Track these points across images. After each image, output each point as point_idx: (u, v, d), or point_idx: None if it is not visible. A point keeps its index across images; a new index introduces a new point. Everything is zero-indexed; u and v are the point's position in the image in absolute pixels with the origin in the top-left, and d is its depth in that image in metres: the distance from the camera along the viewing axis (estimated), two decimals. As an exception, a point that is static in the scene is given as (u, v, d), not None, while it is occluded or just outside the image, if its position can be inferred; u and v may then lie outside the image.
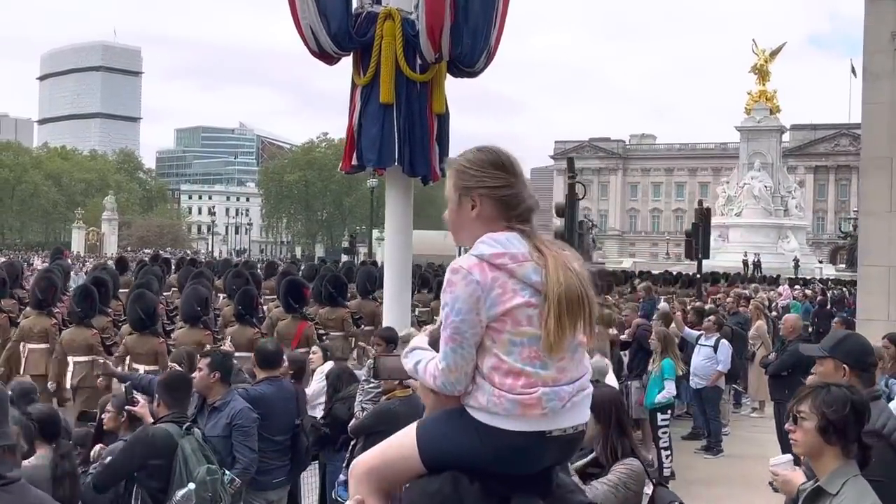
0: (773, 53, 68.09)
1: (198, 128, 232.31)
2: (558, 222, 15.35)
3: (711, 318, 12.90)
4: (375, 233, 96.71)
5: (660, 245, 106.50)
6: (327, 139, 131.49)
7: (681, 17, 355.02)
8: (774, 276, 43.39)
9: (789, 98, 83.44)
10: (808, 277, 47.73)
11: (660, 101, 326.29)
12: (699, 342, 12.47)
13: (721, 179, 72.74)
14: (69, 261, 34.81)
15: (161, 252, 76.19)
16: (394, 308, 7.32)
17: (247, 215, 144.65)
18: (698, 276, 25.37)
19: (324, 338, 12.64)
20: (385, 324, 7.38)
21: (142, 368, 9.63)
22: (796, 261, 57.35)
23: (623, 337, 11.87)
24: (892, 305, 9.55)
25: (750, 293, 21.18)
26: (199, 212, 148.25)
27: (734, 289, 23.73)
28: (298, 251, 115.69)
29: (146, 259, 26.36)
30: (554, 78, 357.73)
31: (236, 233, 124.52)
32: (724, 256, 59.48)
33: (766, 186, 63.85)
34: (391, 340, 7.21)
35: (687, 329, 13.10)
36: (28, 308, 12.38)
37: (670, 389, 10.38)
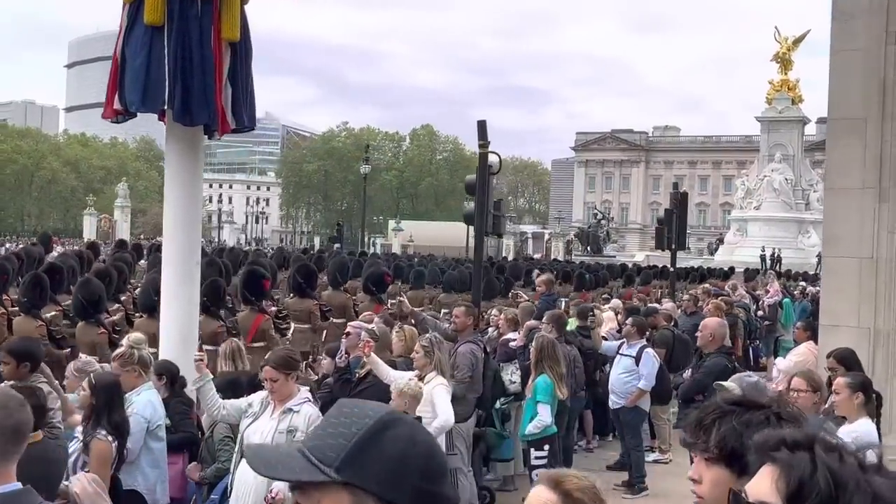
0: (797, 41, 65.76)
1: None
2: (469, 205, 13.26)
3: (630, 320, 10.93)
4: (392, 223, 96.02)
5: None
6: (347, 129, 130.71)
7: (712, 8, 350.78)
8: (795, 271, 41.47)
9: (817, 91, 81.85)
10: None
11: (687, 95, 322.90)
12: (620, 351, 10.68)
13: (742, 173, 70.55)
14: (59, 247, 33.71)
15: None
16: (173, 303, 5.76)
17: (267, 205, 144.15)
18: (671, 269, 23.08)
19: (286, 331, 12.28)
20: (163, 322, 5.91)
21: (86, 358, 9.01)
22: (819, 256, 55.13)
23: (513, 344, 9.97)
24: (865, 308, 7.68)
25: (728, 290, 19.34)
26: (220, 200, 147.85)
27: (704, 284, 21.64)
28: (317, 241, 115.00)
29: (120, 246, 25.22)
30: (583, 70, 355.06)
31: (256, 222, 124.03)
32: (743, 251, 57.70)
33: (786, 179, 61.72)
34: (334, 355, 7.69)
35: (607, 343, 11.50)
36: None
37: (543, 416, 8.21)
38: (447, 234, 76.79)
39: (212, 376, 5.94)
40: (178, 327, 5.68)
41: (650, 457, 11.29)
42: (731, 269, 36.62)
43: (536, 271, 16.05)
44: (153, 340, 9.17)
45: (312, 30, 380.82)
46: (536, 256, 65.48)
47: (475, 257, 13.40)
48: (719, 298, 15.33)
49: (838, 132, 7.85)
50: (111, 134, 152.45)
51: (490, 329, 11.42)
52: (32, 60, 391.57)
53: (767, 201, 61.89)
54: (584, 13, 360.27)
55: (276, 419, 5.52)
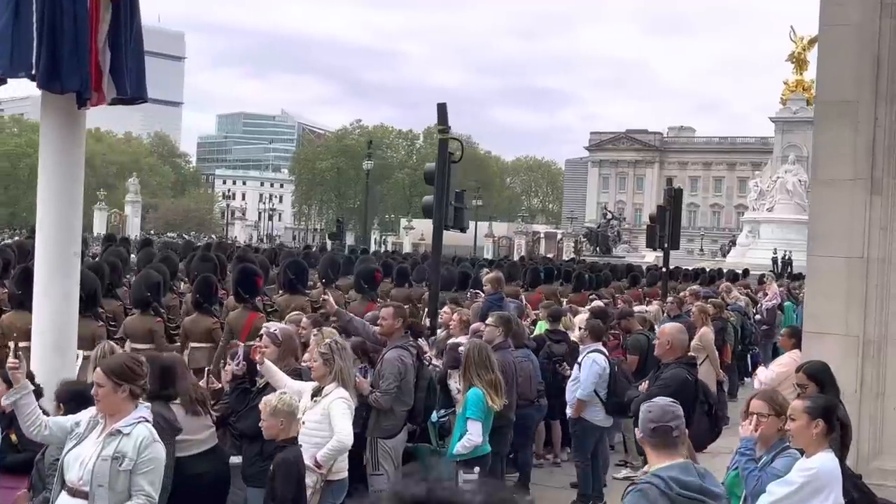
0: (812, 41, 64.38)
1: (239, 114, 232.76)
2: (429, 197, 11.68)
3: (584, 324, 9.95)
4: (404, 222, 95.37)
5: (696, 241, 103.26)
6: (361, 126, 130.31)
7: (730, 10, 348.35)
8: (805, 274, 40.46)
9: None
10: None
11: (703, 96, 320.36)
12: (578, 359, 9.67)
13: (755, 173, 69.52)
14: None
15: (185, 236, 75.58)
16: (44, 299, 5.02)
17: (280, 202, 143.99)
18: (663, 269, 21.56)
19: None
20: (35, 320, 5.22)
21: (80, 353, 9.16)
22: (831, 259, 54.21)
23: (461, 349, 8.83)
24: (853, 314, 6.81)
25: (722, 292, 18.33)
26: (233, 197, 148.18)
27: (692, 286, 20.37)
28: (329, 239, 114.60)
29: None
30: (600, 71, 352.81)
31: (270, 219, 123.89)
32: (755, 253, 56.77)
33: (800, 181, 60.52)
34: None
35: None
36: None
37: (472, 435, 7.19)
38: (459, 233, 76.27)
39: (31, 388, 4.98)
40: (51, 326, 4.93)
41: (621, 472, 10.51)
42: (746, 272, 35.18)
43: (485, 269, 14.59)
44: (150, 337, 9.81)
45: (330, 29, 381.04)
46: (549, 256, 64.72)
47: (433, 254, 12.42)
48: (709, 301, 14.37)
49: (827, 117, 6.96)
50: (132, 130, 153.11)
51: (440, 330, 10.59)
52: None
53: (780, 203, 60.82)
54: (601, 14, 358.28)
55: (101, 442, 4.58)
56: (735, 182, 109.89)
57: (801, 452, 4.62)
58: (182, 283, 14.86)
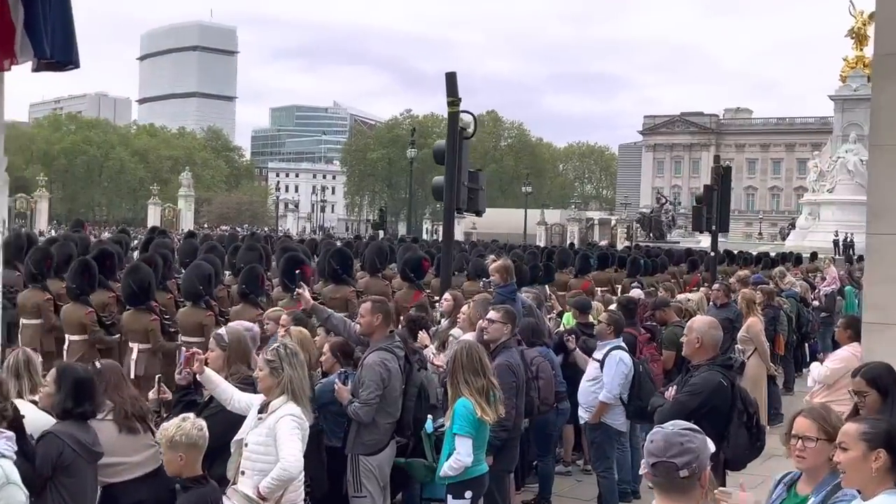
0: (872, 15, 62.05)
1: (292, 107, 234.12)
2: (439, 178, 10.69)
3: (603, 315, 8.58)
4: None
5: (754, 225, 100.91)
6: (411, 116, 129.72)
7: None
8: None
9: None
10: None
11: (760, 78, 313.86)
12: (594, 356, 8.42)
13: (814, 154, 67.35)
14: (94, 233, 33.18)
15: (237, 229, 75.71)
16: None
17: (332, 193, 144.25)
18: (712, 253, 20.07)
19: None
20: None
21: (135, 347, 9.59)
22: (896, 241, 52.16)
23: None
24: None
25: (776, 276, 16.96)
26: (287, 189, 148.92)
27: (742, 270, 18.55)
28: (386, 231, 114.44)
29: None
30: (655, 55, 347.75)
31: (322, 211, 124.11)
32: (815, 236, 55.04)
33: (861, 160, 58.29)
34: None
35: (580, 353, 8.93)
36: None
37: (461, 454, 5.98)
38: (510, 221, 75.36)
39: None
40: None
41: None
42: (814, 255, 33.11)
43: (491, 257, 13.10)
44: (200, 330, 9.62)
45: (382, 20, 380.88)
46: (602, 243, 63.42)
47: (444, 239, 11.40)
48: (758, 287, 13.04)
49: (887, 71, 5.95)
50: (186, 125, 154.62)
51: (443, 320, 9.42)
52: (107, 54, 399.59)
53: (841, 184, 58.80)
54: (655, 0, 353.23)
55: None
56: (794, 163, 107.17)
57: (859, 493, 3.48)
58: (226, 275, 14.47)
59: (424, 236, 72.15)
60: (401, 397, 6.58)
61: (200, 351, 5.78)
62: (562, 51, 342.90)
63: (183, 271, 12.92)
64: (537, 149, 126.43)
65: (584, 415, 8.31)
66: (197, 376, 5.64)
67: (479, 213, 11.60)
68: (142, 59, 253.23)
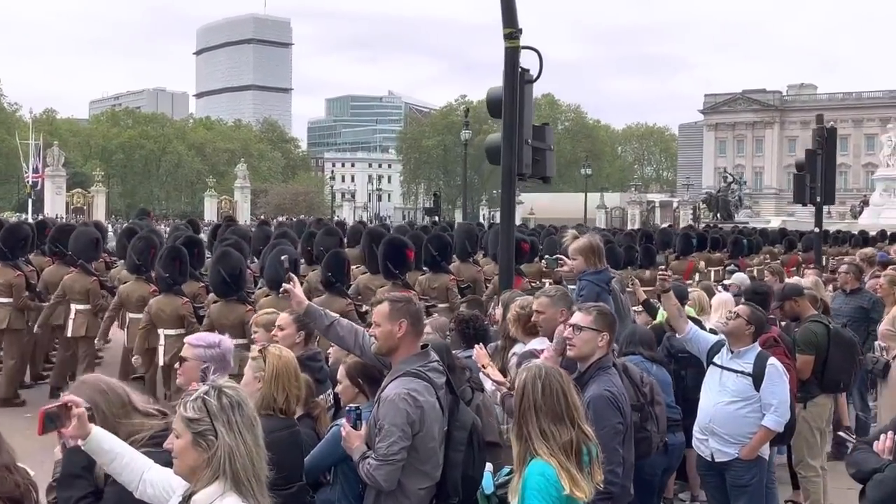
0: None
1: (347, 97, 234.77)
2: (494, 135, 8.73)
3: (741, 310, 6.33)
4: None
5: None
6: (466, 102, 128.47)
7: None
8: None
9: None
10: None
11: (825, 53, 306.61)
12: (718, 362, 6.25)
13: (888, 126, 64.62)
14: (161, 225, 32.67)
15: (293, 219, 75.34)
16: None
17: (388, 182, 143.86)
18: (816, 230, 18.12)
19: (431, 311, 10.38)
20: None
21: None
22: (976, 216, 49.80)
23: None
24: None
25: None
26: (343, 179, 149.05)
27: (864, 249, 16.25)
28: (439, 218, 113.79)
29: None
30: (714, 35, 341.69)
31: (379, 200, 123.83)
32: (891, 213, 52.68)
33: (939, 131, 56.03)
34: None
35: (695, 330, 6.54)
36: (125, 272, 11.78)
37: None
38: (568, 206, 74.11)
39: None
40: None
41: None
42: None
43: (571, 232, 9.19)
44: (239, 329, 8.54)
45: (437, 8, 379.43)
46: (664, 226, 61.65)
47: (502, 215, 9.11)
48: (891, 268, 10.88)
49: None
50: (243, 118, 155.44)
51: (497, 333, 6.71)
52: (164, 50, 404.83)
53: (917, 157, 56.29)
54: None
55: None
56: (862, 140, 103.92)
57: None
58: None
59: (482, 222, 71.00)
60: (442, 447, 4.45)
61: (77, 400, 3.41)
62: (619, 33, 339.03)
63: (256, 260, 12.36)
64: (595, 131, 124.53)
65: (723, 448, 6.13)
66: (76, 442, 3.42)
67: (545, 180, 9.23)
68: (198, 53, 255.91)
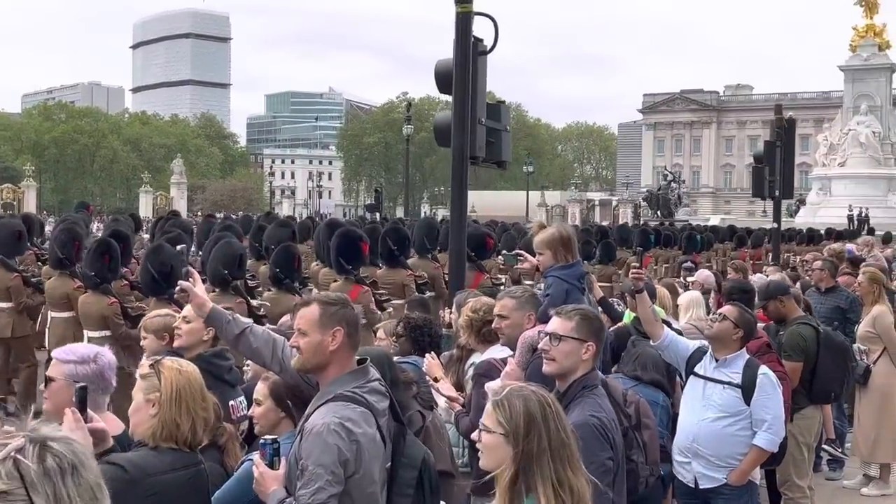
0: (883, -18, 60.62)
1: (287, 93, 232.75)
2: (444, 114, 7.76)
3: (728, 311, 5.50)
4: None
5: (756, 203, 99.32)
6: (407, 99, 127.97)
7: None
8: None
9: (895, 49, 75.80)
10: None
11: (759, 54, 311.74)
12: (700, 371, 5.44)
13: (823, 126, 65.66)
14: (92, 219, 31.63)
15: (232, 216, 74.21)
16: None
17: (329, 179, 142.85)
18: (775, 225, 17.02)
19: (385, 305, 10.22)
20: None
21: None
22: (914, 214, 50.80)
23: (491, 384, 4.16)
24: None
25: (863, 249, 14.65)
26: (283, 176, 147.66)
27: (835, 244, 15.43)
28: (378, 214, 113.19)
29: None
30: (651, 36, 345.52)
31: (320, 197, 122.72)
32: (827, 211, 53.56)
33: (874, 132, 56.91)
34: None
35: (679, 340, 5.62)
36: (46, 268, 11.09)
37: None
38: (510, 204, 74.10)
39: None
40: None
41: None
42: (861, 232, 31.51)
43: (537, 220, 8.01)
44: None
45: (378, 4, 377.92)
46: (604, 224, 61.90)
47: (453, 206, 8.06)
48: (869, 264, 10.32)
49: None
50: (180, 113, 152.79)
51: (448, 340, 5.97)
52: (99, 43, 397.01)
53: (853, 157, 57.31)
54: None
55: None
56: (797, 140, 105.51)
57: None
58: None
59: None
60: (384, 490, 3.54)
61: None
62: (560, 33, 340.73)
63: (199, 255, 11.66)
64: (535, 130, 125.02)
65: (709, 472, 5.31)
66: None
67: (501, 165, 8.41)
68: (135, 47, 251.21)
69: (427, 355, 4.90)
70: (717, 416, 5.30)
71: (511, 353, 4.61)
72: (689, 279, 9.96)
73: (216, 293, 8.14)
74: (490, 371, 4.43)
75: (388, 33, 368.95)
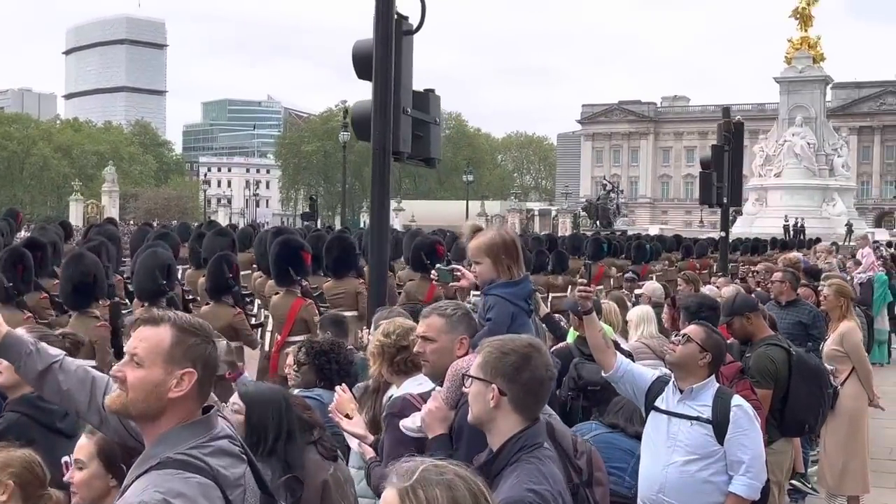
0: (815, -6, 61.42)
1: (224, 101, 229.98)
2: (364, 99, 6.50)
3: (693, 331, 4.65)
4: (393, 203, 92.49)
5: (693, 213, 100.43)
6: (346, 107, 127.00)
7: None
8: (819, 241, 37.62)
9: (829, 61, 77.24)
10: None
11: (697, 67, 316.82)
12: (662, 405, 4.64)
13: (759, 138, 66.38)
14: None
15: (165, 225, 72.80)
16: None
17: (267, 187, 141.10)
18: (722, 234, 16.05)
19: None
20: None
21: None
22: (849, 225, 51.34)
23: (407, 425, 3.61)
24: None
25: (819, 258, 14.25)
26: (219, 184, 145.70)
27: (791, 254, 14.83)
28: (319, 223, 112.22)
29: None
30: (592, 48, 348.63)
31: (257, 206, 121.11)
32: (763, 221, 54.03)
33: (808, 143, 57.59)
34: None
35: (626, 365, 4.74)
36: None
37: None
38: (450, 213, 73.61)
39: None
40: None
41: None
42: (809, 241, 31.50)
43: (471, 223, 6.18)
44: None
45: (319, 12, 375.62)
46: (544, 234, 61.65)
47: (372, 209, 6.93)
48: (832, 276, 9.45)
49: None
50: (115, 120, 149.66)
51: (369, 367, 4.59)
52: (31, 49, 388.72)
53: (788, 168, 57.92)
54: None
55: None
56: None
57: None
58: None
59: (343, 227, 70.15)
60: None
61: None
62: (501, 44, 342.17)
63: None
64: (475, 139, 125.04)
65: None
66: None
67: (430, 163, 7.19)
68: (68, 53, 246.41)
69: (338, 388, 4.02)
70: (685, 460, 4.44)
71: (433, 386, 3.70)
72: (635, 292, 9.28)
73: (144, 307, 7.42)
74: (406, 410, 3.57)
75: (328, 41, 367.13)
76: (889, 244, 36.23)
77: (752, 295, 7.98)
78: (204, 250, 11.47)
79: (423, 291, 10.84)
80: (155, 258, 8.12)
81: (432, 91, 7.05)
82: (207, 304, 8.87)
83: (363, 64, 6.43)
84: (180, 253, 12.91)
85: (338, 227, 66.58)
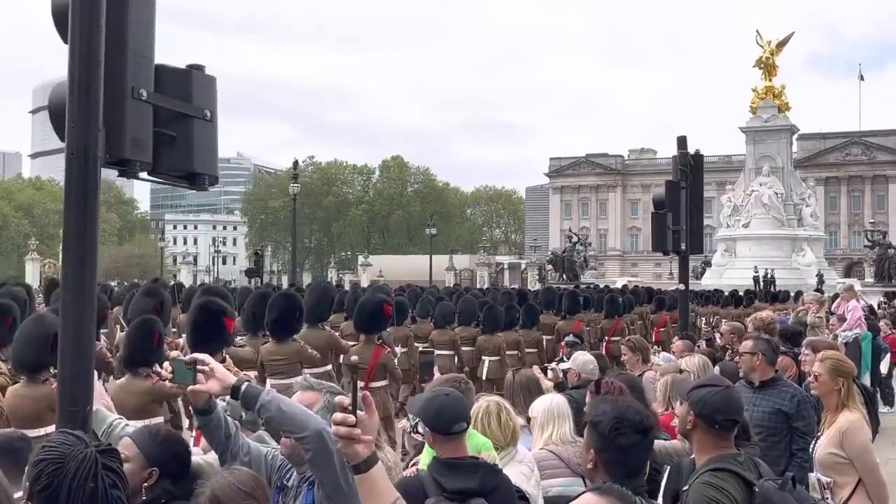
0: (781, 44, 61.05)
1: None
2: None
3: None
4: (360, 258, 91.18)
5: (663, 265, 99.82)
6: (314, 163, 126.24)
7: (683, 38, 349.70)
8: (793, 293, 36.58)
9: (794, 111, 77.28)
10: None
11: (662, 120, 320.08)
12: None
13: (727, 188, 65.83)
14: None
15: (125, 283, 71.03)
16: None
17: (234, 244, 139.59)
18: (681, 287, 13.83)
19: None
20: None
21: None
22: (820, 275, 50.46)
23: None
24: None
25: (800, 315, 12.68)
26: (185, 241, 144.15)
27: (764, 312, 12.58)
28: (285, 280, 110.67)
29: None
30: (561, 103, 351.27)
31: (223, 263, 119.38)
32: (733, 273, 53.04)
33: (776, 193, 56.94)
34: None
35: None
36: None
37: None
38: (417, 267, 72.50)
39: None
40: None
41: None
42: (781, 293, 30.67)
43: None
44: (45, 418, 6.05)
45: (289, 71, 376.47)
46: (514, 288, 60.41)
47: (65, 245, 3.97)
48: (824, 347, 6.87)
49: None
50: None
51: None
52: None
53: (757, 218, 57.12)
54: (560, 48, 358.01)
55: None
56: (701, 203, 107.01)
57: None
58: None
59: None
60: None
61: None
62: (470, 100, 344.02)
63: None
64: (444, 194, 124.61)
65: None
66: None
67: (195, 182, 4.28)
68: (34, 112, 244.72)
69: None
70: None
71: None
72: (561, 366, 7.09)
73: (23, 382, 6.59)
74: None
75: (299, 100, 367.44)
76: (893, 294, 34.87)
77: (717, 367, 6.32)
78: (130, 312, 10.75)
79: (367, 354, 10.15)
80: (41, 325, 6.89)
81: (201, 68, 4.33)
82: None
83: (62, 18, 3.94)
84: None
85: (306, 282, 65.12)
